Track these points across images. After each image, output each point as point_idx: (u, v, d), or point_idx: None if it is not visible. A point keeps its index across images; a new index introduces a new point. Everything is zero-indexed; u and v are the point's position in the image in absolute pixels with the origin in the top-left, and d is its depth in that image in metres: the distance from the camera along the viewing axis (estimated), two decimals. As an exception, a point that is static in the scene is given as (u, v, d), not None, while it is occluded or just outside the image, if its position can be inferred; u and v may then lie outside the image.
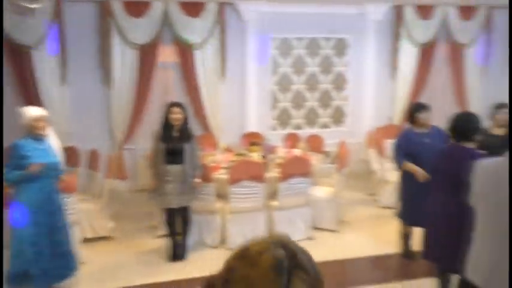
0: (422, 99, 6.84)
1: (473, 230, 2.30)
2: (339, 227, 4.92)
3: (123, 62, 6.14)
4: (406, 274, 3.98)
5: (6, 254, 3.42)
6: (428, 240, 3.14)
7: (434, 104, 7.14)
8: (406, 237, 4.22)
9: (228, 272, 0.91)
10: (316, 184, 5.17)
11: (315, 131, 6.92)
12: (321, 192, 4.98)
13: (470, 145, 2.87)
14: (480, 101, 7.09)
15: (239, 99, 6.75)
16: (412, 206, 3.97)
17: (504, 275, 2.04)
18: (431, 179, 3.24)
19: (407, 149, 3.99)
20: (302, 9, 6.66)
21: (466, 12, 7.01)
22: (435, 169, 3.12)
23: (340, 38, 6.99)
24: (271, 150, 5.29)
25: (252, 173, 4.39)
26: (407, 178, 4.02)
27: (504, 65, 7.42)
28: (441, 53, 7.19)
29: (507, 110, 4.06)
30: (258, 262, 0.87)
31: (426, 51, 7.03)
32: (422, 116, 4.02)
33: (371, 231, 4.93)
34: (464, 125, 2.89)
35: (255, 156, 5.05)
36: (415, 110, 4.09)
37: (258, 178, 4.40)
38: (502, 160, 2.17)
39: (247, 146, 5.57)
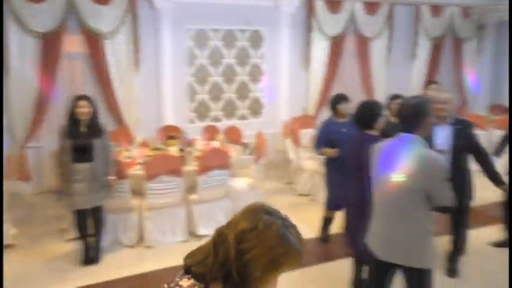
0: (334, 90, 7.20)
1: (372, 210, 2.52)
2: (258, 216, 4.99)
3: (22, 51, 5.58)
4: (325, 257, 4.17)
5: None
6: (344, 224, 3.33)
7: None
8: (327, 222, 4.43)
9: (240, 246, 1.13)
10: (236, 176, 5.20)
11: (233, 122, 6.95)
12: (240, 183, 5.02)
13: (373, 132, 3.07)
14: (384, 91, 7.62)
15: (155, 91, 6.52)
16: (333, 191, 4.20)
17: (398, 246, 2.34)
18: (346, 166, 3.42)
19: (328, 137, 4.21)
20: (218, 0, 6.60)
21: (371, 7, 7.47)
22: (346, 156, 3.30)
23: (256, 30, 7.06)
24: (189, 143, 5.20)
25: (169, 167, 4.27)
26: (329, 165, 4.26)
27: (405, 57, 8.07)
28: (350, 45, 7.60)
29: (400, 101, 4.40)
30: (268, 232, 1.14)
31: (336, 44, 7.38)
32: (342, 106, 4.26)
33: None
34: (365, 114, 3.08)
35: (173, 150, 4.93)
36: (335, 101, 4.33)
37: (175, 172, 4.29)
38: (392, 141, 2.38)
39: (164, 140, 5.42)
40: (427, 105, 2.33)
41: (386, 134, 2.85)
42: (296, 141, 6.11)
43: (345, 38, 7.44)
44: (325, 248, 4.37)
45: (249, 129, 6.58)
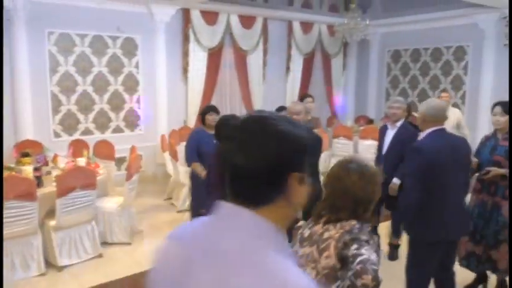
0: (213, 102, 7.15)
1: None
2: (132, 238, 4.62)
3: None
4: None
5: None
6: None
7: (225, 106, 7.62)
8: None
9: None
10: (107, 195, 4.76)
11: (107, 136, 6.41)
12: (111, 203, 4.59)
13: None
14: (262, 103, 7.84)
15: (9, 101, 5.68)
16: (200, 203, 4.06)
17: None
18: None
19: (198, 149, 4.11)
20: (84, 3, 6.06)
21: (247, 21, 7.64)
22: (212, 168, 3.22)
23: (129, 37, 6.66)
24: (45, 162, 4.60)
25: (19, 191, 3.67)
26: (194, 177, 4.12)
27: (280, 71, 8.42)
28: (228, 57, 7.64)
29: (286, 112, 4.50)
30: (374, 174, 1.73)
31: (214, 56, 7.35)
32: (210, 117, 4.19)
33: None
34: (222, 128, 3.05)
35: (26, 169, 4.28)
36: (204, 112, 4.32)
37: (27, 196, 3.71)
38: None
39: (18, 158, 4.70)
40: None
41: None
42: (174, 155, 5.86)
43: (222, 49, 7.46)
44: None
45: (125, 142, 6.13)
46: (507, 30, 6.91)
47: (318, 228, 1.71)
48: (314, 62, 8.86)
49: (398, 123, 4.08)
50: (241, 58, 7.72)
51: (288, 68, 8.45)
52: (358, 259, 1.47)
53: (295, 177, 0.87)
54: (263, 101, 7.85)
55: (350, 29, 7.48)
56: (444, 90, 6.30)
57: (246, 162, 0.86)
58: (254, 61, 7.90)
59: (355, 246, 1.53)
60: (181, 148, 6.01)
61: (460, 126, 5.73)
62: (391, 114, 4.16)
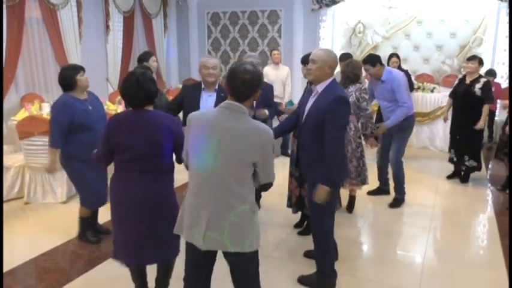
0: (20, 64, 5.90)
1: None
2: None
3: None
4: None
5: None
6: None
7: (36, 69, 6.39)
8: (86, 221, 3.61)
9: None
10: None
11: None
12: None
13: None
14: (81, 63, 6.89)
15: None
16: (91, 186, 3.45)
17: (201, 224, 1.99)
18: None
19: (72, 122, 3.31)
20: None
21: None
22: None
23: None
24: None
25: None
26: (73, 156, 3.36)
27: (98, 30, 7.53)
28: (35, 13, 6.37)
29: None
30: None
31: (13, 10, 5.99)
32: (83, 78, 3.36)
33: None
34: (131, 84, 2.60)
35: None
36: (72, 73, 3.35)
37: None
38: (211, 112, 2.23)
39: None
40: None
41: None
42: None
43: (25, 3, 6.14)
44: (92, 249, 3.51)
45: None
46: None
47: None
48: (135, 21, 8.24)
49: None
50: (50, 13, 6.54)
51: (107, 27, 7.62)
52: None
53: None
54: (81, 61, 6.88)
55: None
56: (275, 49, 6.71)
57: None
58: (67, 17, 6.81)
59: None
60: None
61: (287, 82, 6.31)
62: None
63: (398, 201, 4.51)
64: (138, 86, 2.29)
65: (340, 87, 2.77)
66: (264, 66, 6.33)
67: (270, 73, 6.20)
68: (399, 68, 6.03)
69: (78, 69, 3.34)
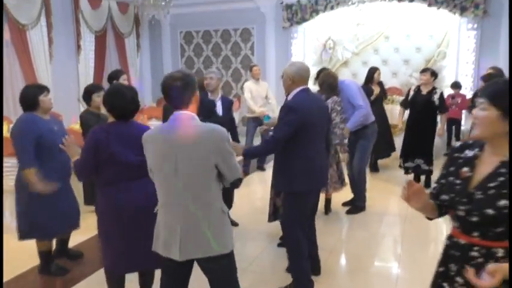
0: None
1: None
2: None
3: None
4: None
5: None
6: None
7: (5, 89, 6.25)
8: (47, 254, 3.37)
9: None
10: None
11: None
12: None
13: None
14: (49, 85, 6.81)
15: None
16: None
17: (176, 237, 1.98)
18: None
19: (38, 142, 3.20)
20: None
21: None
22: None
23: None
24: None
25: None
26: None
27: (69, 50, 7.46)
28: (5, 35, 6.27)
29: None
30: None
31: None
32: (47, 99, 3.15)
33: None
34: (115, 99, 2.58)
35: None
36: (35, 93, 3.11)
37: None
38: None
39: None
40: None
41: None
42: None
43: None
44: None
45: None
46: (284, 14, 8.03)
47: None
48: (107, 41, 8.21)
49: None
50: (19, 34, 6.47)
51: (79, 47, 7.56)
52: None
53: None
54: (52, 81, 6.78)
55: (143, 6, 7.20)
56: (255, 65, 6.64)
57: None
58: (36, 37, 6.74)
59: None
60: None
61: (268, 96, 6.39)
62: None
63: (357, 208, 4.61)
64: (132, 99, 2.45)
65: (302, 96, 2.78)
66: (245, 82, 6.50)
67: (253, 88, 6.27)
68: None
69: (43, 88, 3.11)
